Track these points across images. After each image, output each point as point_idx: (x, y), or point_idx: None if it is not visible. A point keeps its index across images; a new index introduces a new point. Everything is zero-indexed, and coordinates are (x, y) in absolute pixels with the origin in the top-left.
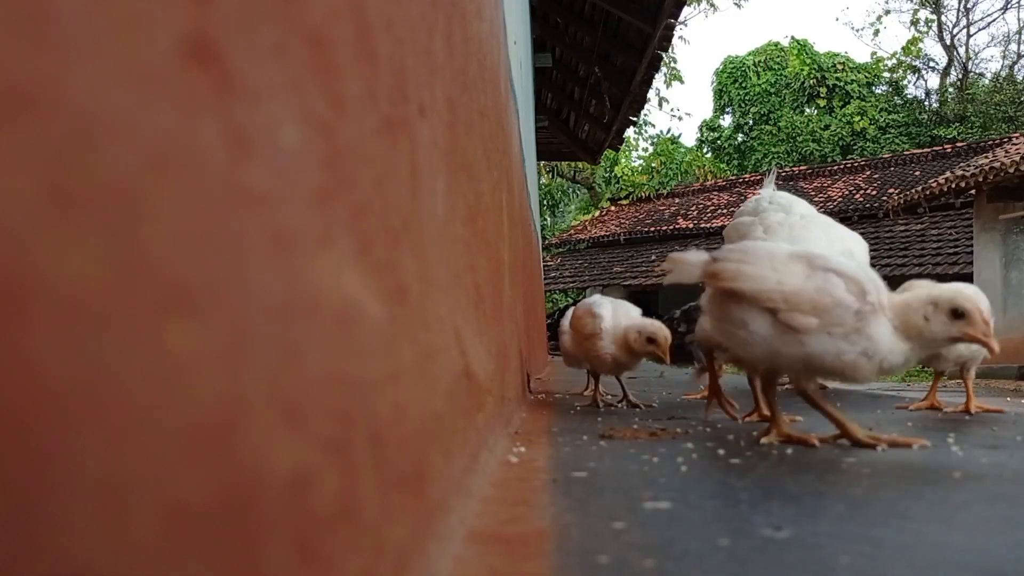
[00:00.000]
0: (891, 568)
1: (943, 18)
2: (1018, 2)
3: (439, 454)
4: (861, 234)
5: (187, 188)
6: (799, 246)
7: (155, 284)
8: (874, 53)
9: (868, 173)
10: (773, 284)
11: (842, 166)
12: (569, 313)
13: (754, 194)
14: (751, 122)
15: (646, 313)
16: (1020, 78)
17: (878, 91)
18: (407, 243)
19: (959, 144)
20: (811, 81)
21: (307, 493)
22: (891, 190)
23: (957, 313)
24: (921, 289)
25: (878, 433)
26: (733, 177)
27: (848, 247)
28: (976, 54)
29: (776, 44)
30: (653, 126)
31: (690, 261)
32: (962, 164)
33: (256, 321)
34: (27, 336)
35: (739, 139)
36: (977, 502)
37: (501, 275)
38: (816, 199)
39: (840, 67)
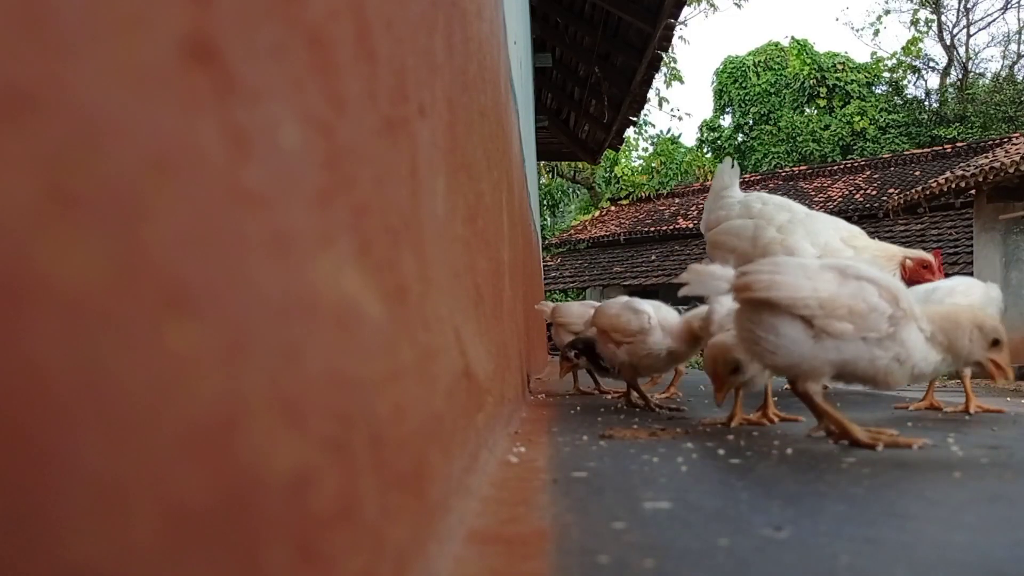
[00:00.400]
0: (891, 568)
1: (943, 18)
2: (1018, 2)
3: (439, 454)
4: None
5: (187, 188)
6: (828, 256)
7: (155, 284)
8: (874, 53)
9: (868, 173)
10: (809, 291)
11: (842, 166)
12: (567, 310)
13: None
14: (751, 122)
15: None
16: (1020, 78)
17: (878, 91)
18: (407, 243)
19: (959, 144)
20: (811, 81)
21: (307, 493)
22: (891, 190)
23: (996, 342)
24: (964, 310)
25: (878, 432)
26: None
27: (853, 232)
28: (976, 54)
29: (776, 44)
30: (653, 126)
31: (716, 275)
32: (962, 164)
33: (256, 321)
34: (27, 336)
35: (739, 139)
36: (977, 502)
37: (501, 275)
38: (816, 199)
39: (840, 67)
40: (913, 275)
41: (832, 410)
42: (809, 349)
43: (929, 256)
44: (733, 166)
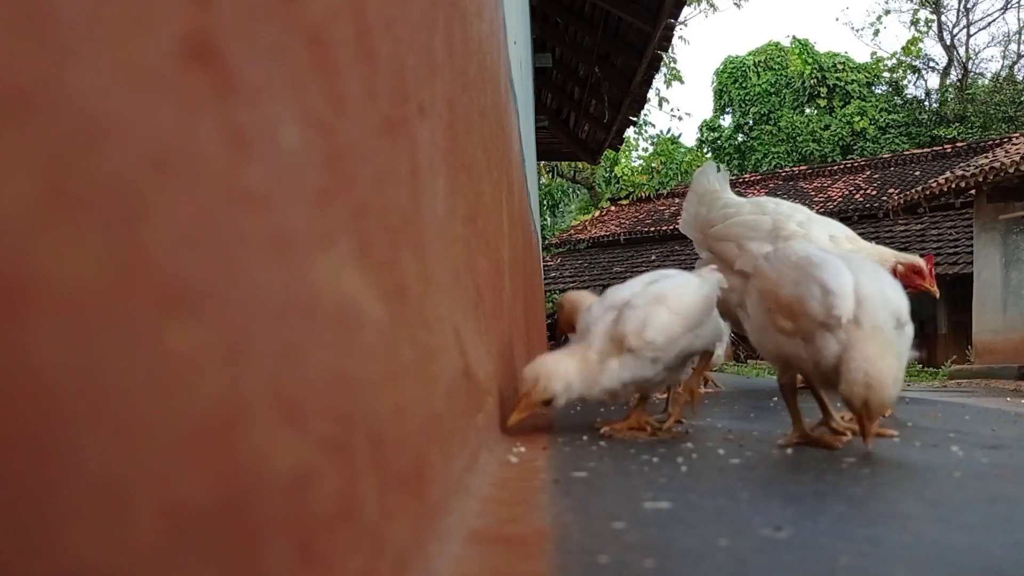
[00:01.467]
0: (891, 568)
1: (943, 18)
2: (1018, 2)
3: (439, 454)
4: (861, 234)
5: (187, 188)
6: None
7: (155, 284)
8: (874, 53)
9: (868, 173)
10: (771, 285)
11: (842, 166)
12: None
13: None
14: (751, 122)
15: None
16: (1020, 78)
17: (878, 91)
18: (407, 243)
19: (959, 144)
20: (811, 81)
21: (307, 493)
22: (891, 190)
23: None
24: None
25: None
26: (733, 177)
27: (848, 234)
28: (976, 54)
29: (776, 44)
30: (653, 126)
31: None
32: (962, 164)
33: (256, 321)
34: (27, 336)
35: (739, 139)
36: (977, 502)
37: (501, 275)
38: (816, 199)
39: (840, 67)
40: (905, 279)
41: (798, 408)
42: (765, 339)
43: (921, 261)
44: (719, 170)
